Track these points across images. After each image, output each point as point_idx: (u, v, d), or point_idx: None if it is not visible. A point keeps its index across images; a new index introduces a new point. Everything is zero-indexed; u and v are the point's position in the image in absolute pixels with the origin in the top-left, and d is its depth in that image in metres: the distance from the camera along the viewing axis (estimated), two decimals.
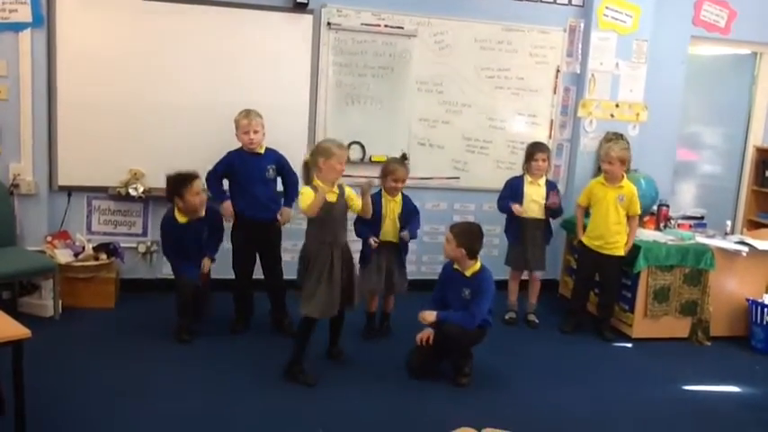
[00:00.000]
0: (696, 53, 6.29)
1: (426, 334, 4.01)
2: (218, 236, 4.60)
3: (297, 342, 3.90)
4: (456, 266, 4.07)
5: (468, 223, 4.29)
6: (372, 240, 4.37)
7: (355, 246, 4.27)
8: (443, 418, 3.41)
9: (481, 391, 3.88)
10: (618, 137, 5.64)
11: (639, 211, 4.85)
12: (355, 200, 4.05)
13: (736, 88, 6.58)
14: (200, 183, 4.37)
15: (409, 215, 4.54)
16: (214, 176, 4.50)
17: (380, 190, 4.50)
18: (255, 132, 4.40)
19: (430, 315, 3.92)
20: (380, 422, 3.46)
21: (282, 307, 4.64)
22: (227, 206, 4.49)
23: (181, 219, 4.39)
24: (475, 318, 3.91)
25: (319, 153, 3.86)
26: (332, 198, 3.86)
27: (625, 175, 4.87)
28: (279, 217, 4.54)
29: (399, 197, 4.51)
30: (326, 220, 3.84)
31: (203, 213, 4.44)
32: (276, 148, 4.59)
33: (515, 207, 4.90)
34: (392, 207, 4.48)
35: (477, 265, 4.02)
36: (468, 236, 3.99)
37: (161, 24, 4.93)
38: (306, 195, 3.78)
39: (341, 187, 4.00)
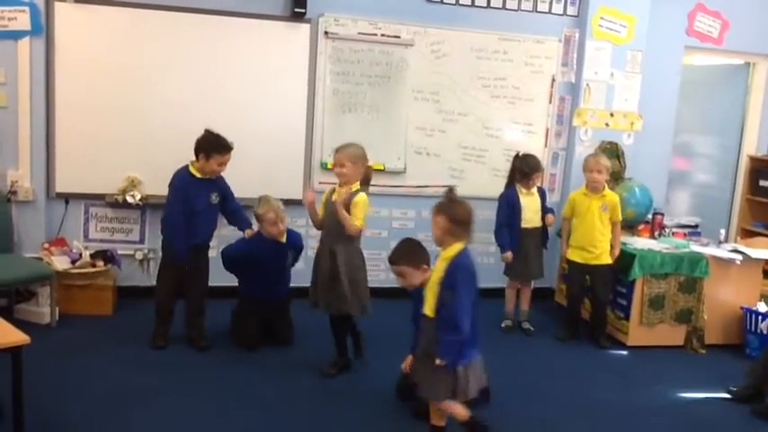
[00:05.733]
0: (690, 63, 6.35)
1: (408, 362, 3.74)
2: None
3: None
4: None
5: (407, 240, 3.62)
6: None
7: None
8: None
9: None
10: (612, 146, 5.69)
11: (621, 218, 4.92)
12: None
13: (730, 98, 6.63)
14: (229, 157, 4.25)
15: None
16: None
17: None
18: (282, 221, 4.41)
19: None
20: None
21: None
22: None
23: (196, 173, 4.25)
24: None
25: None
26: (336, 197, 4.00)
27: (606, 185, 4.92)
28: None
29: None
30: (324, 220, 4.04)
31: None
32: (274, 156, 4.67)
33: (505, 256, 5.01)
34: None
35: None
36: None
37: (159, 33, 4.96)
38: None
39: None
